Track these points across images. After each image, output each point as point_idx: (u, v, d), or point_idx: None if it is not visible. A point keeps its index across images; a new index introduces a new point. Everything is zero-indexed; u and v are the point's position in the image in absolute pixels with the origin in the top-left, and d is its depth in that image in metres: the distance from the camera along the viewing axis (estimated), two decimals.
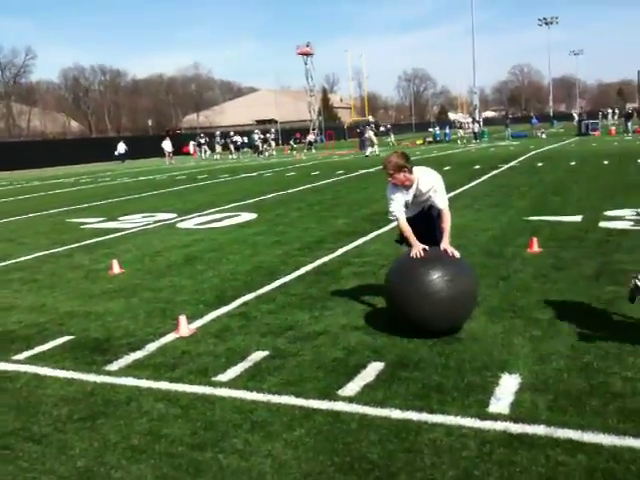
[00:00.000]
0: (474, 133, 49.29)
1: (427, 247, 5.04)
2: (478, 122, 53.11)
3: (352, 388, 4.03)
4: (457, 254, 5.02)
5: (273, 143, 48.42)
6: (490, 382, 3.99)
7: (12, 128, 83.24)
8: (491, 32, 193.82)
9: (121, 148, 47.26)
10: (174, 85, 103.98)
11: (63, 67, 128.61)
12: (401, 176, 5.13)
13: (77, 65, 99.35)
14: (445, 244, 5.09)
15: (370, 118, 45.88)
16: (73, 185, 25.82)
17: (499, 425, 3.43)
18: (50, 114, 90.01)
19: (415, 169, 5.24)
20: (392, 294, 5.01)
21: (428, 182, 5.21)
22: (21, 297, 6.97)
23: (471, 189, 14.98)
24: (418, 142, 51.21)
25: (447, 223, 5.23)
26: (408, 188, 5.22)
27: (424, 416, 3.59)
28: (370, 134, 37.32)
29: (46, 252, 9.77)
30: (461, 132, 45.41)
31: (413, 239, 5.12)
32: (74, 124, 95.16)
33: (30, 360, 4.90)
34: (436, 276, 4.73)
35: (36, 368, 4.71)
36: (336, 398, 3.89)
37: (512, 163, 22.51)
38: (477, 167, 21.38)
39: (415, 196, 5.27)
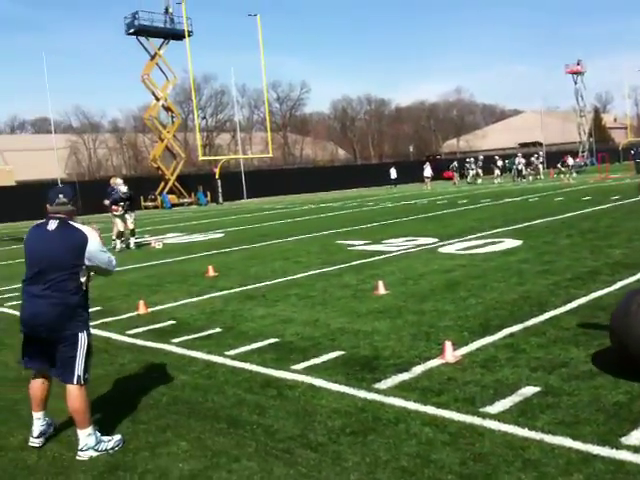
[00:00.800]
0: None
1: None
2: None
3: (638, 437, 3.63)
4: None
5: (541, 167, 46.19)
6: None
7: (287, 156, 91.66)
8: None
9: (393, 173, 49.27)
10: (435, 111, 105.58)
11: (333, 99, 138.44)
12: None
13: (345, 96, 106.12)
14: None
15: None
16: (340, 209, 27.50)
17: None
18: (320, 143, 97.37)
19: None
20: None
21: None
22: (297, 311, 7.56)
23: None
24: None
25: None
26: None
27: None
28: None
29: (318, 271, 10.49)
30: None
31: None
32: (341, 152, 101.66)
33: (306, 371, 5.27)
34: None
35: (312, 379, 5.05)
36: (619, 446, 3.54)
37: None
38: None
39: None
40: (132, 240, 16.89)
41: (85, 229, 4.13)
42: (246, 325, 7.04)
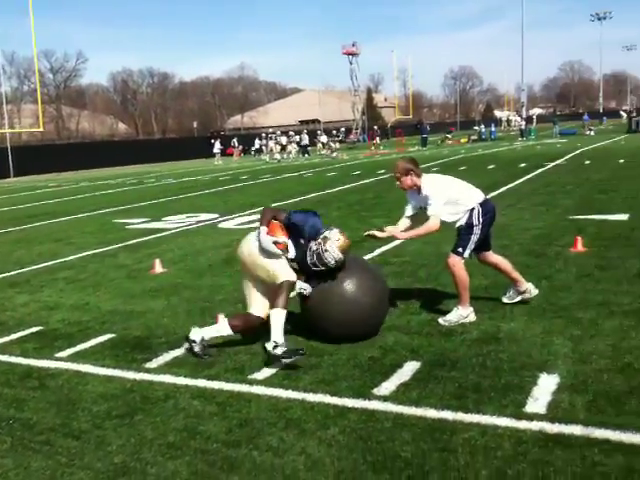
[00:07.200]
0: (520, 130, 48.69)
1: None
2: (528, 119, 52.74)
3: (387, 387, 4.01)
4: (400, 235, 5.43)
5: (333, 144, 44.99)
6: (528, 382, 3.92)
7: (61, 130, 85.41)
8: (541, 28, 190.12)
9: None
10: (220, 87, 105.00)
11: (112, 71, 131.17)
12: (408, 180, 5.28)
13: (126, 69, 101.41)
14: (397, 233, 5.39)
15: None
16: (120, 186, 26.37)
17: (535, 425, 3.37)
18: (99, 117, 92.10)
19: (424, 175, 5.34)
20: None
21: (427, 190, 5.22)
22: (65, 296, 7.14)
23: (515, 187, 14.75)
24: (462, 140, 50.62)
25: (421, 229, 5.23)
26: (419, 192, 5.30)
27: (459, 416, 3.55)
28: None
29: (92, 252, 10.00)
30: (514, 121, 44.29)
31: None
32: (121, 126, 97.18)
33: (72, 358, 5.02)
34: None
35: (77, 366, 4.82)
36: (371, 397, 3.88)
37: (559, 161, 22.05)
38: (522, 165, 20.98)
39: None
40: None
41: None
42: (6, 314, 6.49)
